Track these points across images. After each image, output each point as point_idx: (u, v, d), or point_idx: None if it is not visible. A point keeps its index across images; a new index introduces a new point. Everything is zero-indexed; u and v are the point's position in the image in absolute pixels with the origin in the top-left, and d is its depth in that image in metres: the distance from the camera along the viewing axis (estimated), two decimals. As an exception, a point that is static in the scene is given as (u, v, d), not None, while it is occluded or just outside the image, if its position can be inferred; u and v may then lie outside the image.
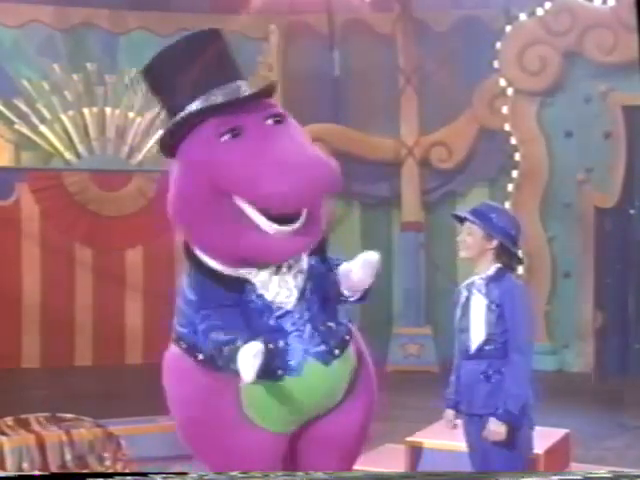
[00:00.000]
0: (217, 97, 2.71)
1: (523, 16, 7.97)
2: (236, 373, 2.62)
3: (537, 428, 3.99)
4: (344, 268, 2.81)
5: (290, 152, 2.62)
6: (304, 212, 2.69)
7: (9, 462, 3.75)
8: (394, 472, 2.74)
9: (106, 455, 3.91)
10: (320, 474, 2.47)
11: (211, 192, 2.68)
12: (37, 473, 2.82)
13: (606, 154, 7.65)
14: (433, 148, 8.47)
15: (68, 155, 8.44)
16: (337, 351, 2.80)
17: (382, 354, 7.94)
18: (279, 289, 2.76)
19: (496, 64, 8.04)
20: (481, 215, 3.23)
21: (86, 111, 8.50)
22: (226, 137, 2.69)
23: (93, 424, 4.04)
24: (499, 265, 3.21)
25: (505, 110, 8.04)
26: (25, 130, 8.33)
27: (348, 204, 8.82)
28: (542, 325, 7.89)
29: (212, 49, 2.80)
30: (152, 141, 8.57)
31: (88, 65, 8.50)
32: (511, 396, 3.08)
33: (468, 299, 3.26)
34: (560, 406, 6.19)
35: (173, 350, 2.94)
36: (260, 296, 2.76)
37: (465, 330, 3.26)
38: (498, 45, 8.00)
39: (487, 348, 3.16)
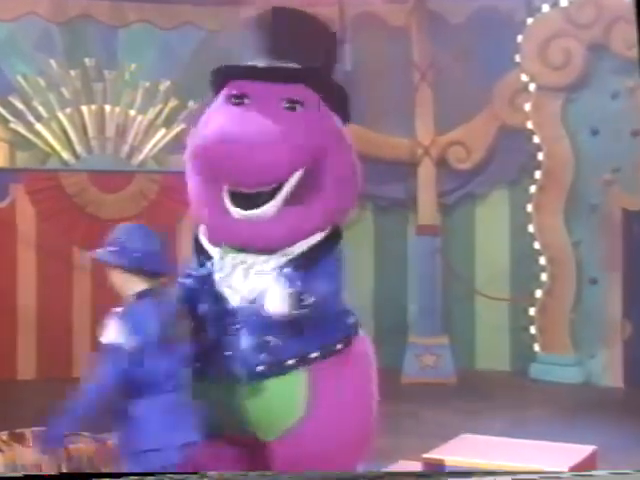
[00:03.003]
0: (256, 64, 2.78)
1: (546, 7, 7.95)
2: None
3: (562, 445, 3.96)
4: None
5: (252, 129, 2.63)
6: (278, 196, 2.69)
7: (3, 479, 3.75)
8: (394, 472, 2.69)
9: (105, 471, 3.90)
10: (328, 473, 2.47)
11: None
12: (37, 473, 2.88)
13: (634, 153, 7.60)
14: (450, 148, 8.45)
15: (65, 155, 8.45)
16: (263, 368, 2.70)
17: (397, 365, 7.92)
18: (238, 281, 2.75)
19: (517, 58, 8.02)
20: (113, 244, 3.34)
21: (84, 109, 8.50)
22: (231, 101, 2.76)
23: (92, 438, 4.03)
24: (138, 290, 3.18)
25: (527, 107, 8.03)
26: (20, 129, 8.34)
27: (360, 206, 8.78)
28: (567, 335, 7.87)
29: (287, 27, 2.79)
30: (154, 140, 8.58)
31: (86, 60, 8.49)
32: None
33: None
34: (586, 421, 6.17)
35: None
36: (213, 279, 2.79)
37: None
38: (519, 38, 7.99)
39: None
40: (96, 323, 8.84)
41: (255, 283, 2.74)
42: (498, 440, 4.27)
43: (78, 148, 8.49)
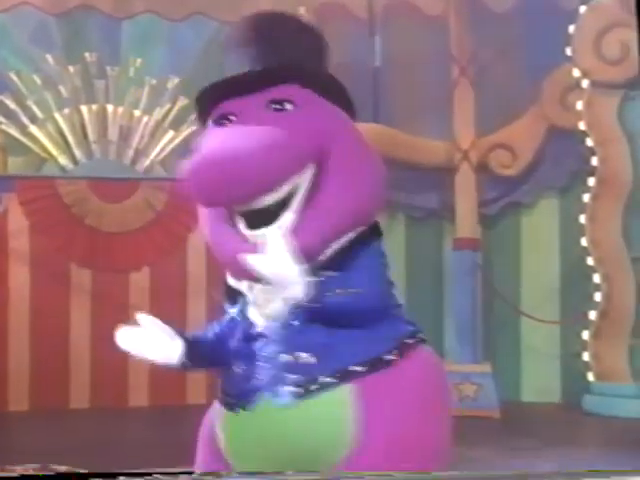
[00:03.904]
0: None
1: (600, -6, 7.93)
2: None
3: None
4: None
5: (229, 143, 2.60)
6: (288, 209, 2.65)
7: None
8: (397, 472, 2.64)
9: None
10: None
11: None
12: (34, 474, 2.92)
13: (702, 158, 7.57)
14: (493, 151, 8.41)
15: (63, 160, 8.49)
16: (301, 389, 2.60)
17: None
18: (269, 305, 2.70)
19: (569, 51, 7.98)
20: None
21: (84, 109, 8.54)
22: (217, 123, 2.76)
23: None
24: None
25: (579, 106, 7.97)
26: (13, 131, 8.39)
27: (391, 217, 8.77)
28: (625, 362, 7.79)
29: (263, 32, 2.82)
30: (161, 143, 8.61)
31: (87, 55, 8.54)
32: None
33: None
34: (649, 460, 6.09)
35: None
36: (242, 312, 2.75)
37: None
38: (571, 29, 7.95)
39: None
40: (95, 349, 8.90)
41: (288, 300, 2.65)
42: (549, 482, 4.22)
43: (77, 152, 8.53)
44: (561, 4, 8.15)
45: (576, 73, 8.01)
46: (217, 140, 2.63)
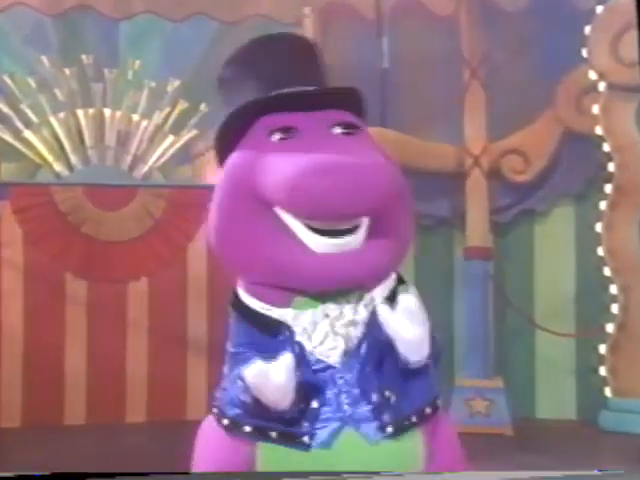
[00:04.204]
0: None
1: (618, -7, 7.91)
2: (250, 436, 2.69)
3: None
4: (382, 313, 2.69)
5: (340, 156, 2.63)
6: (362, 226, 2.71)
7: None
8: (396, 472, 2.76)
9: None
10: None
11: (252, 201, 2.73)
12: (30, 473, 2.99)
13: None
14: (505, 157, 8.39)
15: (59, 166, 8.48)
16: (390, 429, 2.68)
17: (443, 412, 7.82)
18: (324, 337, 2.70)
19: (584, 53, 7.96)
20: None
21: (81, 113, 8.54)
22: (277, 136, 2.76)
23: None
24: None
25: (595, 110, 7.95)
26: (6, 136, 8.38)
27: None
28: (643, 378, 7.77)
29: (294, 52, 2.92)
30: (160, 149, 8.59)
31: (83, 57, 8.55)
32: None
33: None
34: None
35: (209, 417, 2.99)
36: (298, 343, 2.71)
37: None
38: (587, 29, 7.93)
39: None
40: (92, 362, 8.85)
41: (351, 333, 2.71)
42: (566, 504, 4.18)
43: (73, 158, 8.52)
44: (577, 4, 8.13)
45: (592, 75, 7.99)
46: (326, 152, 2.64)
